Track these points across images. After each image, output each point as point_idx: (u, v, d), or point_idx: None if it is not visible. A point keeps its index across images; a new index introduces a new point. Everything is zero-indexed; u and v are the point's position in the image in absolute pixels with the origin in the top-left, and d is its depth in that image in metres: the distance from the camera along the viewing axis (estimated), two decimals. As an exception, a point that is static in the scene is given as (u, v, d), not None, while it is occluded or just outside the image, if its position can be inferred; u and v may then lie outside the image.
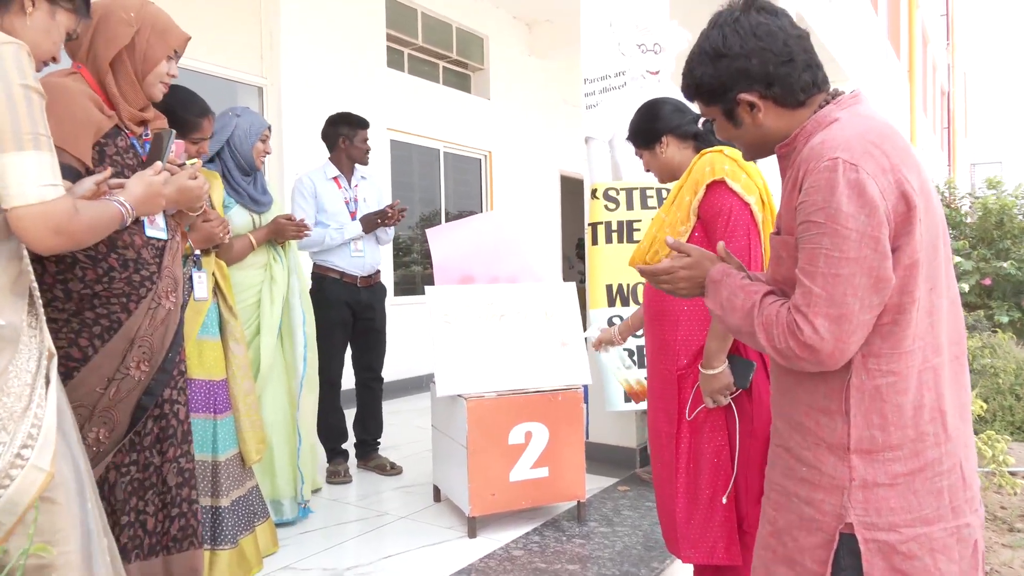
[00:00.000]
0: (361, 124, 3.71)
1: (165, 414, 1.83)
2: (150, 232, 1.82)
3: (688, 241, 1.95)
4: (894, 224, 1.13)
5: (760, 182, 1.99)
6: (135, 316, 1.75)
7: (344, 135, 3.68)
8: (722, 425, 1.97)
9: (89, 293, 1.70)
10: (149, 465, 1.80)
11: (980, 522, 1.22)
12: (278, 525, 2.79)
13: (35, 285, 1.38)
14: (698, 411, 1.97)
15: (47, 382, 1.32)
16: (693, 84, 1.32)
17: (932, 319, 1.19)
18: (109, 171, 1.63)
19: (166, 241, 1.87)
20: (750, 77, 1.25)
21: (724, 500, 1.93)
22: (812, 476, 1.23)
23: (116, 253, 1.74)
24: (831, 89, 1.30)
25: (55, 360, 1.37)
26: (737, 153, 2.00)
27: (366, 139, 3.71)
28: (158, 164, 1.69)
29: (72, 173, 1.65)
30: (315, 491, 3.29)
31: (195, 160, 2.66)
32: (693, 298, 1.97)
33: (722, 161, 1.97)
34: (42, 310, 1.37)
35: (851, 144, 1.14)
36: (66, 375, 1.65)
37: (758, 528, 1.39)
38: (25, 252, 1.37)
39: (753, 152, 1.37)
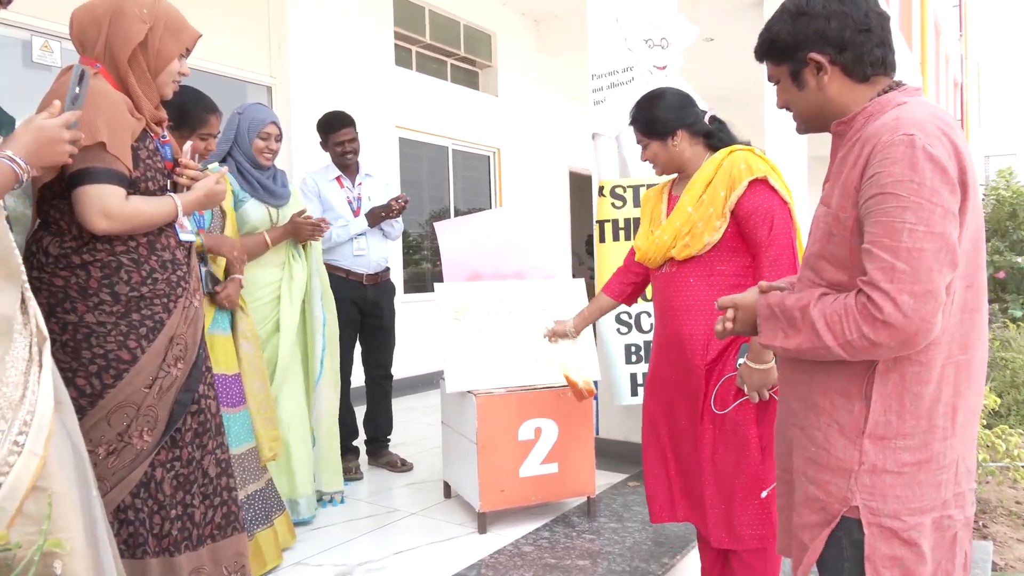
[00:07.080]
0: (329, 126, 3.63)
1: (202, 409, 1.88)
2: (182, 237, 1.87)
3: (721, 239, 1.96)
4: None
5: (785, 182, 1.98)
6: (174, 315, 1.80)
7: (322, 140, 3.70)
8: (753, 418, 1.95)
9: (136, 296, 1.74)
10: (191, 460, 1.85)
11: (964, 518, 1.22)
12: (294, 524, 2.80)
13: (23, 268, 1.37)
14: (735, 405, 1.95)
15: (39, 367, 1.33)
16: (768, 40, 1.33)
17: (965, 316, 1.19)
18: None
19: (192, 243, 1.93)
20: (825, 38, 1.25)
21: (764, 495, 1.92)
22: (820, 457, 1.24)
23: (156, 255, 1.79)
24: (896, 79, 1.30)
25: (47, 344, 1.37)
26: (764, 155, 2.00)
27: (341, 140, 3.60)
28: (56, 104, 1.43)
29: (125, 181, 1.69)
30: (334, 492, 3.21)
31: (222, 166, 2.69)
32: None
33: (757, 160, 1.94)
34: (31, 295, 1.38)
35: (924, 125, 1.14)
36: (116, 377, 1.69)
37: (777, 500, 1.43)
38: (12, 236, 1.37)
39: (807, 123, 1.36)
